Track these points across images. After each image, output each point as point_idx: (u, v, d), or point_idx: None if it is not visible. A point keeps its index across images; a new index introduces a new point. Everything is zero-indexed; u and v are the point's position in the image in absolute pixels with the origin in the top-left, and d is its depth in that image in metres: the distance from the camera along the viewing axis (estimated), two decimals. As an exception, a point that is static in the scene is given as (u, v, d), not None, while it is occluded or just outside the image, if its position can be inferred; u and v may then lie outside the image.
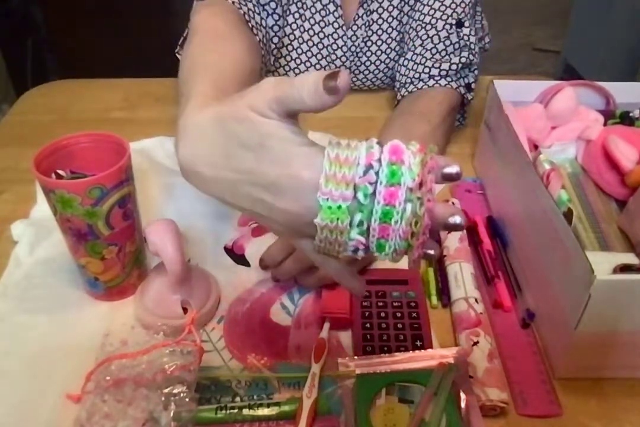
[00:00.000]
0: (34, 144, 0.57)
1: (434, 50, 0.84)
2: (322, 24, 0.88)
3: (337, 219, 0.36)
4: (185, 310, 0.59)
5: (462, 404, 0.50)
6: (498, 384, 0.53)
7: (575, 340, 0.52)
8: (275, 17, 0.85)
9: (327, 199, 0.36)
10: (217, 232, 0.71)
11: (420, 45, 0.85)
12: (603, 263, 0.55)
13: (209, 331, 0.60)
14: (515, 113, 0.70)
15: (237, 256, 0.68)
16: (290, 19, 0.87)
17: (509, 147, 0.68)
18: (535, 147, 0.75)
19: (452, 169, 0.37)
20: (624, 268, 0.58)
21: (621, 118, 0.76)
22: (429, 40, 0.84)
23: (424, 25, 0.85)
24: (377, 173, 0.36)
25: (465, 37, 0.84)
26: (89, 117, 0.93)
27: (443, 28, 0.84)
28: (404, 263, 0.69)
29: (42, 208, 0.70)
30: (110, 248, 0.58)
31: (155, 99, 0.96)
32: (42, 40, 2.01)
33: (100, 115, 0.93)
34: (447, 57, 0.84)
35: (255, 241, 0.70)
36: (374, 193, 0.36)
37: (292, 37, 0.88)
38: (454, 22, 0.84)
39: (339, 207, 0.36)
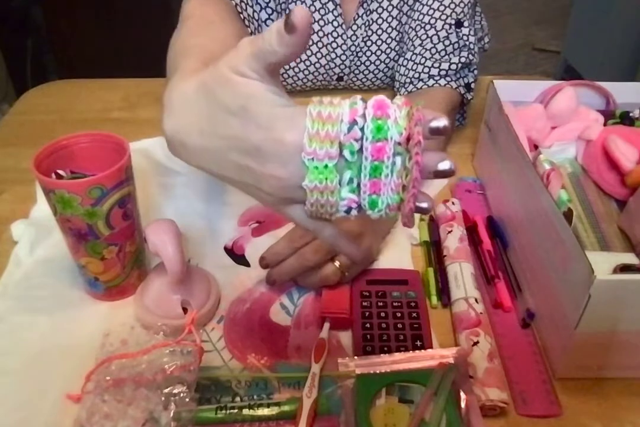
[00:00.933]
0: (34, 144, 0.57)
1: (433, 50, 0.84)
2: (321, 22, 0.88)
3: (326, 179, 0.35)
4: (185, 310, 0.59)
5: (462, 404, 0.50)
6: (498, 384, 0.53)
7: (575, 340, 0.52)
8: (269, 10, 0.85)
9: (313, 159, 0.35)
10: (217, 232, 0.71)
11: (420, 45, 0.85)
12: (603, 263, 0.55)
13: (209, 331, 0.60)
14: (515, 113, 0.70)
15: (237, 256, 0.68)
16: None
17: (509, 147, 0.68)
18: (535, 147, 0.75)
19: (440, 123, 0.36)
20: (624, 268, 0.58)
21: (621, 118, 0.76)
22: (429, 40, 0.84)
23: (423, 25, 0.85)
24: (362, 129, 0.35)
25: (465, 37, 0.84)
26: (89, 117, 0.93)
27: (442, 28, 0.84)
28: (403, 263, 0.69)
29: (42, 208, 0.70)
30: (110, 248, 0.58)
31: (155, 99, 0.96)
32: (42, 40, 2.01)
33: (100, 115, 0.93)
34: (446, 57, 0.84)
35: (255, 241, 0.70)
36: (360, 150, 0.35)
37: None
38: (453, 22, 0.84)
39: (326, 166, 0.35)
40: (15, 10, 1.93)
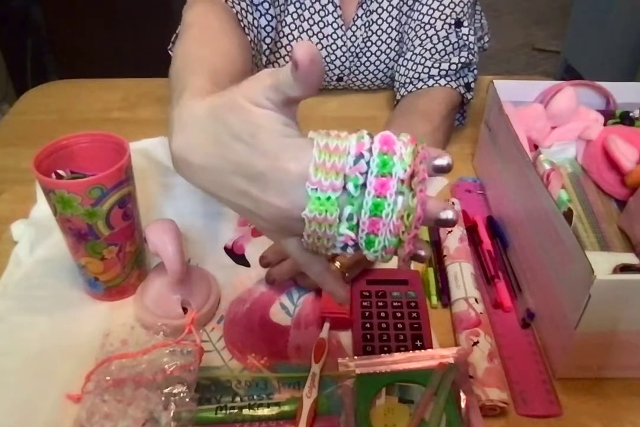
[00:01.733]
0: (34, 144, 0.57)
1: (433, 50, 0.84)
2: (321, 24, 0.88)
3: (326, 211, 0.35)
4: (185, 310, 0.59)
5: (462, 404, 0.50)
6: (498, 384, 0.53)
7: (575, 340, 0.52)
8: (268, 17, 0.84)
9: (317, 189, 0.35)
10: (217, 232, 0.71)
11: (420, 45, 0.85)
12: (603, 263, 0.55)
13: (209, 331, 0.60)
14: (515, 113, 0.70)
15: (237, 256, 0.68)
16: (289, 19, 0.87)
17: (509, 147, 0.68)
18: (535, 147, 0.75)
19: (443, 161, 0.36)
20: (624, 268, 0.58)
21: (621, 118, 0.76)
22: (428, 40, 0.84)
23: (422, 25, 0.85)
24: (368, 163, 0.35)
25: (465, 37, 0.84)
26: (89, 117, 0.93)
27: (442, 28, 0.84)
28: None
29: (42, 208, 0.70)
30: (110, 248, 0.58)
31: (156, 99, 0.96)
32: (42, 40, 2.01)
33: (100, 115, 0.93)
34: (446, 56, 0.84)
35: (255, 241, 0.70)
36: (364, 184, 0.35)
37: (290, 37, 0.88)
38: (452, 22, 0.84)
39: (328, 198, 0.35)
40: (15, 10, 1.93)
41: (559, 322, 0.55)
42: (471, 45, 0.84)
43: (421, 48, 0.85)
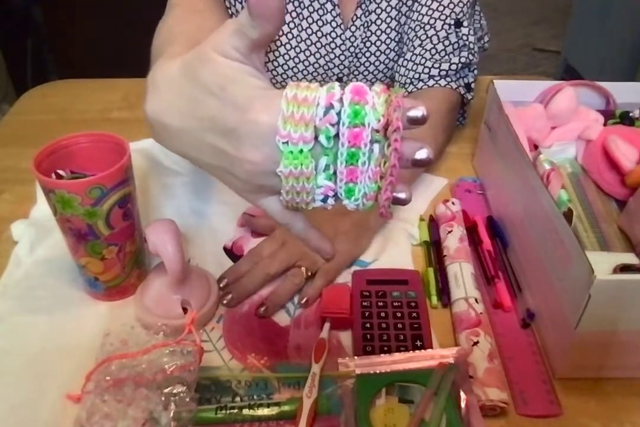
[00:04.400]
0: (34, 144, 0.57)
1: (433, 51, 0.84)
2: (319, 22, 0.88)
3: (301, 164, 0.35)
4: (185, 310, 0.59)
5: (462, 404, 0.50)
6: (498, 384, 0.53)
7: (575, 340, 0.52)
8: None
9: (287, 142, 0.35)
10: (217, 232, 0.71)
11: (420, 45, 0.85)
12: (603, 263, 0.55)
13: (208, 331, 0.60)
14: (515, 113, 0.70)
15: (236, 256, 0.68)
16: (288, 18, 0.87)
17: (509, 147, 0.68)
18: (535, 147, 0.75)
19: (418, 112, 0.35)
20: (624, 268, 0.58)
21: (621, 118, 0.76)
22: (428, 40, 0.84)
23: (422, 25, 0.85)
24: (339, 114, 0.35)
25: (464, 37, 0.84)
26: (89, 117, 0.93)
27: (442, 28, 0.84)
28: (403, 263, 0.69)
29: (42, 208, 0.70)
30: (110, 248, 0.58)
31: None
32: (42, 40, 2.01)
33: (100, 115, 0.93)
34: (446, 57, 0.84)
35: (254, 241, 0.70)
36: (337, 136, 0.35)
37: (290, 35, 0.88)
38: (452, 22, 0.84)
39: (301, 151, 0.35)
40: (15, 10, 1.93)
41: (559, 322, 0.55)
42: (471, 45, 0.84)
43: (421, 48, 0.85)
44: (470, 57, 0.84)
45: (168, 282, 0.59)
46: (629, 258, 0.60)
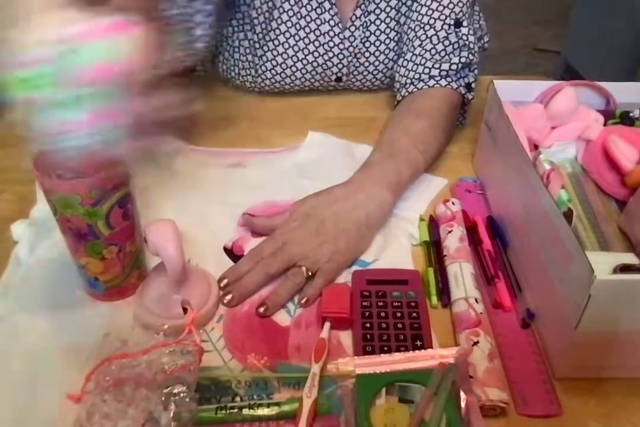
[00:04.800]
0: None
1: (433, 51, 0.84)
2: (317, 21, 0.88)
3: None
4: (185, 310, 0.59)
5: (462, 404, 0.50)
6: (498, 384, 0.53)
7: (575, 340, 0.52)
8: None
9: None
10: (217, 232, 0.71)
11: (420, 45, 0.85)
12: (603, 263, 0.55)
13: (208, 331, 0.60)
14: (515, 113, 0.70)
15: (236, 256, 0.68)
16: (285, 17, 0.87)
17: (509, 147, 0.68)
18: (535, 147, 0.75)
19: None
20: (624, 268, 0.58)
21: (621, 118, 0.76)
22: (428, 40, 0.84)
23: (422, 25, 0.85)
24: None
25: (464, 37, 0.84)
26: (89, 117, 0.93)
27: (442, 28, 0.84)
28: (403, 263, 0.69)
29: (42, 208, 0.70)
30: (110, 248, 0.58)
31: (155, 99, 0.96)
32: (42, 40, 2.00)
33: (100, 115, 0.93)
34: (446, 57, 0.84)
35: (254, 241, 0.70)
36: None
37: (287, 34, 0.88)
38: (452, 22, 0.84)
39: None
40: (15, 10, 1.93)
41: (559, 322, 0.55)
42: (471, 45, 0.84)
43: (421, 48, 0.85)
44: (471, 57, 0.84)
45: (168, 282, 0.59)
46: (629, 258, 0.60)
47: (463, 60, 0.83)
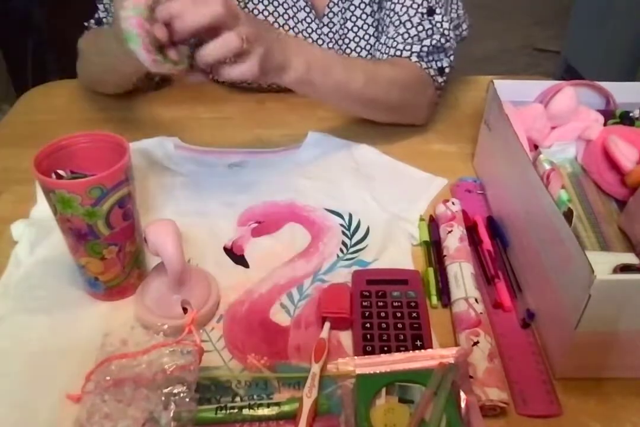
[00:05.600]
0: (34, 144, 0.57)
1: (406, 35, 0.86)
2: (295, 19, 0.90)
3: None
4: (185, 310, 0.59)
5: (462, 404, 0.50)
6: (498, 384, 0.53)
7: (575, 340, 0.52)
8: None
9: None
10: (216, 232, 0.71)
11: (394, 30, 0.87)
12: (603, 263, 0.55)
13: (208, 331, 0.60)
14: (515, 113, 0.70)
15: (236, 256, 0.68)
16: (261, 6, 0.90)
17: (509, 147, 0.68)
18: (535, 147, 0.75)
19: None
20: (624, 268, 0.58)
21: (621, 118, 0.76)
22: (402, 26, 0.86)
23: (396, 12, 0.87)
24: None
25: (438, 24, 0.86)
26: (89, 117, 0.93)
27: (415, 15, 0.86)
28: (403, 263, 0.69)
29: (42, 208, 0.70)
30: (110, 248, 0.58)
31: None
32: (42, 40, 2.00)
33: (100, 115, 0.93)
34: (418, 40, 0.85)
35: (254, 241, 0.70)
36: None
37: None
38: (424, 11, 0.86)
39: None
40: (15, 10, 1.93)
41: (559, 322, 0.55)
42: (445, 31, 0.86)
43: (395, 32, 0.86)
44: (443, 40, 0.85)
45: (168, 282, 0.59)
46: (629, 258, 0.60)
47: (434, 42, 0.85)
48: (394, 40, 0.86)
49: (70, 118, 0.92)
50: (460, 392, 0.51)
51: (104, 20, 0.93)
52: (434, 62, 0.86)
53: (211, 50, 0.60)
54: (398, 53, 0.85)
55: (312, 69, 0.72)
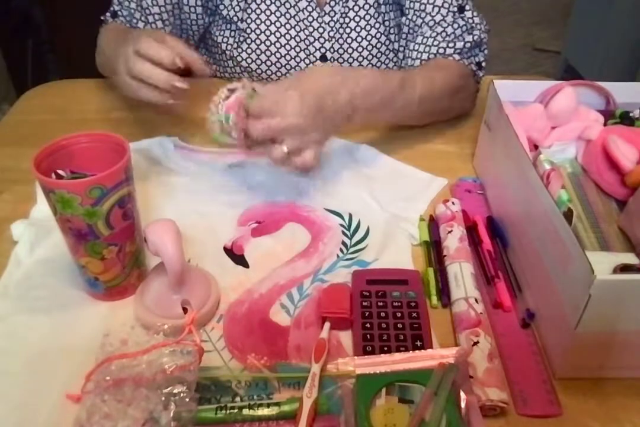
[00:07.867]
0: (34, 144, 0.57)
1: (444, 34, 0.87)
2: (296, 8, 0.90)
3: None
4: (185, 310, 0.59)
5: (462, 404, 0.50)
6: (498, 384, 0.53)
7: (575, 340, 0.52)
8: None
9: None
10: (216, 232, 0.71)
11: (430, 29, 0.87)
12: (603, 263, 0.55)
13: (208, 331, 0.60)
14: (515, 113, 0.70)
15: (236, 256, 0.68)
16: (263, 6, 0.90)
17: (509, 147, 0.68)
18: (535, 147, 0.75)
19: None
20: (624, 268, 0.58)
21: (621, 118, 0.76)
22: (437, 25, 0.87)
23: (428, 12, 0.88)
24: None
25: (470, 20, 0.87)
26: (89, 117, 0.93)
27: (447, 14, 0.86)
28: (403, 263, 0.69)
29: (42, 208, 0.70)
30: (110, 248, 0.58)
31: (155, 99, 0.96)
32: (42, 40, 2.00)
33: (100, 115, 0.93)
34: (460, 37, 0.86)
35: (254, 241, 0.70)
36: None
37: (268, 22, 0.90)
38: (455, 9, 0.87)
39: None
40: (15, 10, 1.93)
41: (559, 322, 0.55)
42: (478, 26, 0.87)
43: (432, 31, 0.87)
44: (482, 35, 0.87)
45: (168, 282, 0.59)
46: (629, 258, 0.60)
47: (475, 38, 0.86)
48: (434, 40, 0.86)
49: (70, 118, 0.92)
50: (460, 392, 0.51)
51: (119, 13, 0.95)
52: (473, 58, 0.87)
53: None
54: (441, 51, 0.86)
55: (371, 112, 0.75)
